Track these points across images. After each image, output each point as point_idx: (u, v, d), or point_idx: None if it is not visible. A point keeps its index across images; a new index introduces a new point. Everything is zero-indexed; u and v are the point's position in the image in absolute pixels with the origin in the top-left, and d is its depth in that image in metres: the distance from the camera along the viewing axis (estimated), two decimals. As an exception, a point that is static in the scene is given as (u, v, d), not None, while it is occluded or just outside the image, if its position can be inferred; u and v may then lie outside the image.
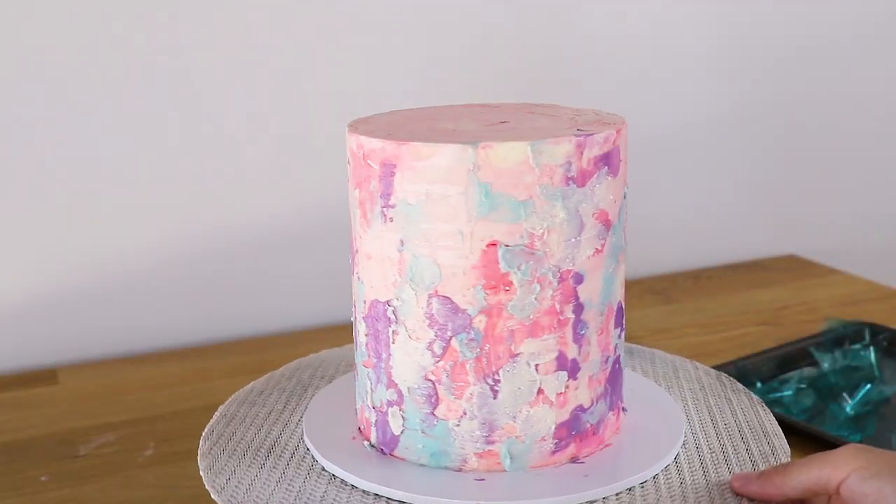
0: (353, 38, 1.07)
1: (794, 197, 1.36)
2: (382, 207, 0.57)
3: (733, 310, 1.13)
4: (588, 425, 0.60)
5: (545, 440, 0.58)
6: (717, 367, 0.89)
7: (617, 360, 0.62)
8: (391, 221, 0.57)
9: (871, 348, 0.92)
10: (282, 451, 0.63)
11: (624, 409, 0.65)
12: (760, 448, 0.62)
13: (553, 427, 0.58)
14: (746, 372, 0.90)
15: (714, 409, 0.67)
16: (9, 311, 1.00)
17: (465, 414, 0.58)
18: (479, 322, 0.56)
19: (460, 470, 0.58)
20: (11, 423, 0.87)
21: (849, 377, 0.88)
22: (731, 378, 0.72)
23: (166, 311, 1.06)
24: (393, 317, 0.59)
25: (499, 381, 0.57)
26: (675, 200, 1.28)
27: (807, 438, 0.79)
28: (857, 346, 0.94)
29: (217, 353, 1.03)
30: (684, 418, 0.65)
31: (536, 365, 0.57)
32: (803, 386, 0.87)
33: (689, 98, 1.25)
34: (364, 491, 0.58)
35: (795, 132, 1.33)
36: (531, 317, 0.56)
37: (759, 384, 0.89)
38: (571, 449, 0.59)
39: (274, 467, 0.61)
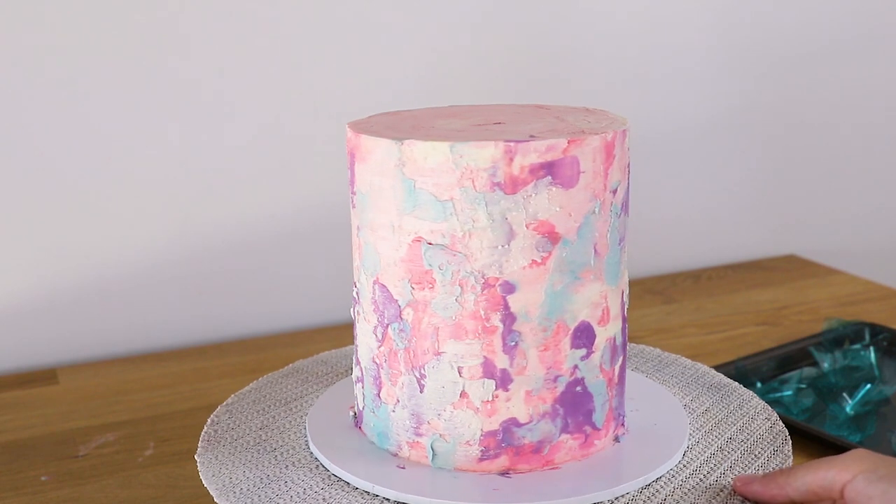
0: (355, 37, 1.07)
1: (794, 197, 1.36)
2: (351, 193, 0.61)
3: (733, 310, 1.13)
4: (525, 441, 0.58)
5: (470, 445, 0.58)
6: (717, 368, 0.89)
7: (578, 383, 0.59)
8: (354, 207, 0.60)
9: (871, 348, 0.92)
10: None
11: (616, 440, 0.62)
12: None
13: (479, 434, 0.58)
14: (746, 372, 0.90)
15: (725, 466, 0.61)
16: (9, 311, 1.00)
17: (398, 402, 0.59)
18: (408, 314, 0.57)
19: (396, 455, 0.60)
20: (11, 423, 0.87)
21: (849, 377, 0.88)
22: (788, 438, 0.64)
23: (166, 311, 1.06)
24: (356, 297, 0.62)
25: (425, 375, 0.58)
26: (675, 200, 1.28)
27: (807, 438, 0.79)
28: (857, 346, 0.94)
29: (217, 353, 1.03)
30: (673, 464, 0.60)
31: (460, 367, 0.57)
32: (803, 386, 0.87)
33: (688, 98, 1.25)
34: (311, 454, 0.61)
35: (795, 132, 1.33)
36: (454, 318, 0.56)
37: (759, 384, 0.89)
38: (503, 461, 0.58)
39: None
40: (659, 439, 0.63)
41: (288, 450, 0.62)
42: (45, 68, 0.96)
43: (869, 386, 0.85)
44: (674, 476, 0.59)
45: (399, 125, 0.60)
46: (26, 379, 0.98)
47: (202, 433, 0.64)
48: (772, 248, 1.36)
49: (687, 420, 0.66)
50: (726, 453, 0.63)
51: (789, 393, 0.86)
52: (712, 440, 0.64)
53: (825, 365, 0.90)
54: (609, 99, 1.19)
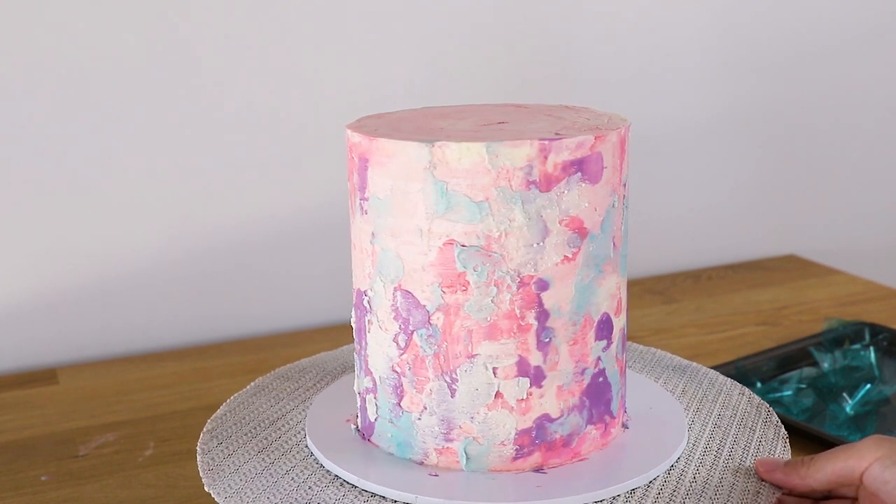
0: (355, 37, 1.07)
1: (794, 197, 1.36)
2: (360, 200, 0.59)
3: (733, 310, 1.13)
4: (557, 436, 0.58)
5: (505, 445, 0.58)
6: (717, 368, 0.89)
7: (600, 374, 0.60)
8: (366, 214, 0.58)
9: (871, 348, 0.92)
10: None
11: (625, 426, 0.64)
12: (749, 485, 0.58)
13: (513, 433, 0.57)
14: (746, 372, 0.90)
15: (728, 441, 0.63)
16: (9, 311, 1.00)
17: (425, 409, 0.58)
18: (437, 319, 0.56)
19: (422, 463, 0.59)
20: (11, 423, 0.87)
21: (849, 377, 0.88)
22: (771, 409, 0.67)
23: (166, 311, 1.06)
24: (368, 306, 0.60)
25: (456, 379, 0.57)
26: (675, 200, 1.28)
27: (807, 438, 0.79)
28: (857, 346, 0.94)
29: (217, 353, 1.03)
30: (684, 446, 0.62)
31: (494, 368, 0.56)
32: (803, 386, 0.87)
33: (688, 98, 1.25)
34: (327, 471, 0.59)
35: (795, 132, 1.33)
36: (489, 319, 0.56)
37: (759, 384, 0.89)
38: (536, 458, 0.58)
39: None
40: (661, 422, 0.64)
41: (302, 471, 0.60)
42: (46, 69, 0.96)
43: (869, 386, 0.85)
44: (691, 455, 0.61)
45: (401, 127, 0.60)
46: (26, 379, 0.98)
47: (199, 462, 0.61)
48: (772, 248, 1.36)
49: (676, 401, 0.68)
50: (724, 430, 0.65)
51: (789, 393, 0.86)
52: (705, 418, 0.66)
53: (825, 365, 0.90)
54: (609, 99, 1.19)
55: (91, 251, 1.02)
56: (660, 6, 1.20)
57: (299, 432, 0.65)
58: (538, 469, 0.58)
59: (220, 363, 1.00)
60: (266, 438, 0.64)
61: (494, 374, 0.57)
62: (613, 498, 0.56)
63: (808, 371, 0.90)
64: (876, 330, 0.99)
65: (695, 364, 0.76)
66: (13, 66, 0.95)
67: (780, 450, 0.63)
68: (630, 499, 0.56)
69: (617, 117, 0.62)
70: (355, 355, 0.63)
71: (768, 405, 0.68)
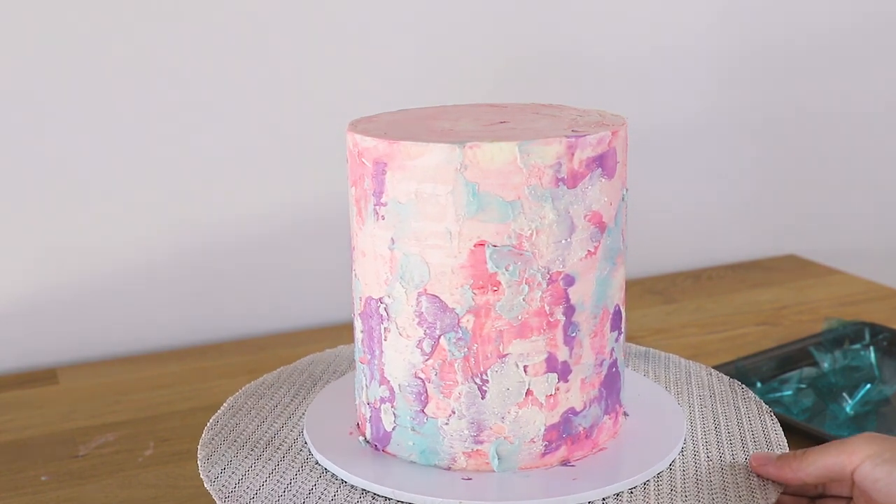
0: (354, 37, 1.07)
1: (794, 197, 1.36)
2: (375, 205, 0.58)
3: (733, 310, 1.13)
4: (580, 429, 0.59)
5: (534, 442, 0.58)
6: (717, 367, 0.89)
7: (613, 364, 0.61)
8: (383, 219, 0.58)
9: (871, 348, 0.92)
10: (280, 445, 0.63)
11: (625, 414, 0.65)
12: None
13: (543, 429, 0.58)
14: (746, 372, 0.90)
15: (720, 418, 0.66)
16: (9, 311, 1.00)
17: (453, 413, 0.58)
18: (467, 322, 0.56)
19: (449, 469, 0.59)
20: (11, 423, 0.87)
21: (849, 377, 0.88)
22: (744, 386, 0.70)
23: (166, 311, 1.06)
24: (385, 314, 0.59)
25: (487, 381, 0.57)
26: (675, 200, 1.28)
27: (807, 438, 0.79)
28: (857, 346, 0.94)
29: (217, 353, 1.03)
30: (686, 426, 0.64)
31: (525, 366, 0.57)
32: (803, 386, 0.87)
33: (689, 98, 1.25)
34: (352, 486, 0.58)
35: (795, 132, 1.33)
36: (519, 318, 0.56)
37: (759, 384, 0.89)
38: (562, 452, 0.59)
39: (269, 460, 0.61)
40: (654, 407, 0.66)
41: (326, 489, 0.58)
42: (45, 69, 0.96)
43: (869, 386, 0.85)
44: (695, 435, 0.63)
45: (407, 129, 0.59)
46: (26, 379, 0.98)
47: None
48: (772, 248, 1.36)
49: (658, 386, 0.70)
50: (711, 409, 0.67)
51: (789, 393, 0.86)
52: (690, 399, 0.68)
53: (825, 365, 0.90)
54: (609, 99, 1.19)
55: (91, 251, 1.02)
56: (660, 6, 1.20)
57: (301, 452, 0.62)
58: (565, 463, 0.59)
59: (220, 363, 1.00)
60: (269, 461, 0.61)
61: (525, 371, 0.57)
62: (645, 483, 0.57)
63: (808, 371, 0.90)
64: (876, 330, 0.99)
65: (653, 350, 0.77)
66: (13, 66, 0.95)
67: (770, 424, 0.65)
68: (659, 481, 0.58)
69: (606, 113, 0.63)
70: (363, 366, 0.62)
71: (739, 382, 0.71)
